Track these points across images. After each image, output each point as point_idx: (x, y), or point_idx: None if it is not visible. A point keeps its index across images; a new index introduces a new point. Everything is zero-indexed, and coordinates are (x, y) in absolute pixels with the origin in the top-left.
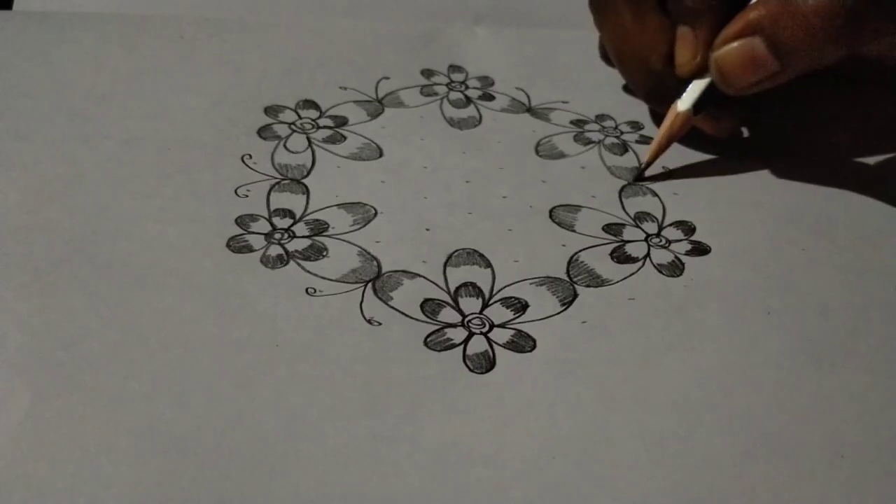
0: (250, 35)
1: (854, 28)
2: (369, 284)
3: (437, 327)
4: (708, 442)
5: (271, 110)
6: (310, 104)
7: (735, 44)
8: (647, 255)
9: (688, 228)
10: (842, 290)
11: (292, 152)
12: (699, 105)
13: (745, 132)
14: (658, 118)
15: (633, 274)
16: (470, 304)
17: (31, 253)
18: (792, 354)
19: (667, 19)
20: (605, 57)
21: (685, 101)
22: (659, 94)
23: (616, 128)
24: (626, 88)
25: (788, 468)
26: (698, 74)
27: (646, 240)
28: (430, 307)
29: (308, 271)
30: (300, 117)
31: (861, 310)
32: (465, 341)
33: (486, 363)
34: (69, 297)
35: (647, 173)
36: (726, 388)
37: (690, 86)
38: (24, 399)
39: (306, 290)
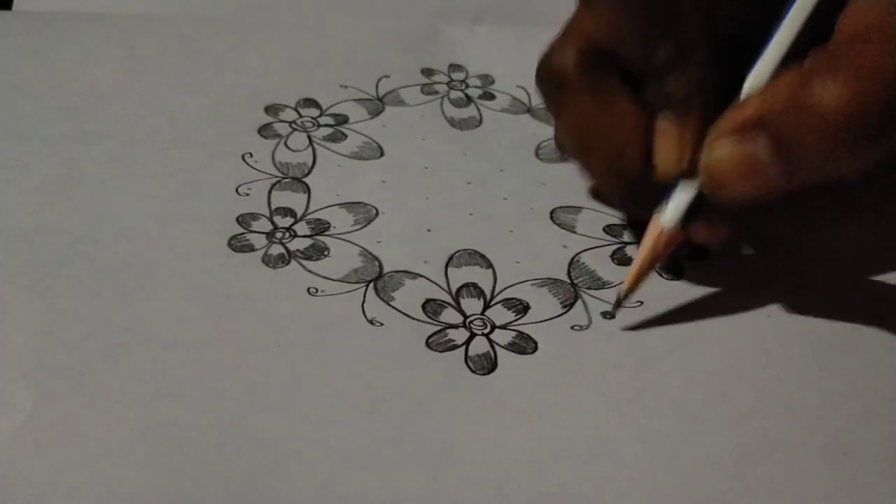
0: (250, 35)
1: (883, 137)
2: (371, 284)
3: (438, 328)
4: (709, 443)
5: (272, 109)
6: (310, 102)
7: (730, 147)
8: None
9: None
10: (842, 290)
11: (293, 151)
12: (688, 217)
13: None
14: (633, 223)
15: None
16: (471, 305)
17: (32, 254)
18: (792, 355)
19: (641, 107)
20: (563, 147)
21: (671, 215)
22: (637, 200)
23: None
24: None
25: (790, 468)
26: (684, 180)
27: None
28: (431, 308)
29: (309, 271)
30: (301, 116)
31: (861, 309)
32: (467, 342)
33: (487, 364)
34: (71, 298)
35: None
36: (727, 389)
37: (676, 195)
38: (26, 401)
39: (308, 289)
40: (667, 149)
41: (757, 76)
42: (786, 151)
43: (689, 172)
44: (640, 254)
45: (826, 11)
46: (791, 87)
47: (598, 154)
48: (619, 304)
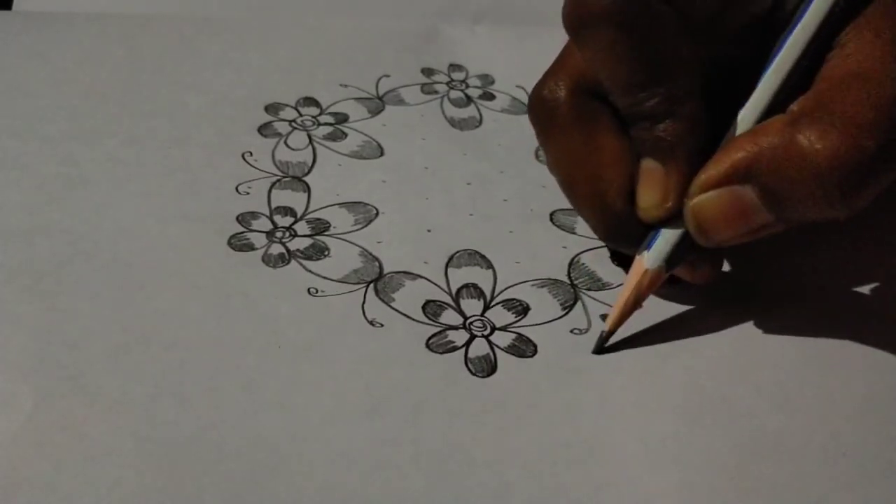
0: (250, 34)
1: (874, 184)
2: (371, 285)
3: (438, 329)
4: (709, 444)
5: (272, 108)
6: (310, 101)
7: (717, 192)
8: None
9: None
10: (842, 291)
11: (293, 149)
12: (672, 259)
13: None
14: (617, 257)
15: None
16: (471, 306)
17: (32, 254)
18: (792, 355)
19: (628, 144)
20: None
21: (655, 257)
22: (620, 237)
23: None
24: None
25: (789, 468)
26: (668, 221)
27: None
28: (431, 309)
29: (310, 271)
30: (301, 114)
31: (861, 310)
32: (467, 344)
33: (487, 367)
34: (71, 298)
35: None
36: (727, 389)
37: (660, 235)
38: (26, 401)
39: (308, 289)
40: (651, 190)
41: (746, 118)
42: (774, 199)
43: (675, 216)
44: (622, 294)
45: (816, 51)
46: (779, 135)
47: (583, 189)
48: (603, 343)
